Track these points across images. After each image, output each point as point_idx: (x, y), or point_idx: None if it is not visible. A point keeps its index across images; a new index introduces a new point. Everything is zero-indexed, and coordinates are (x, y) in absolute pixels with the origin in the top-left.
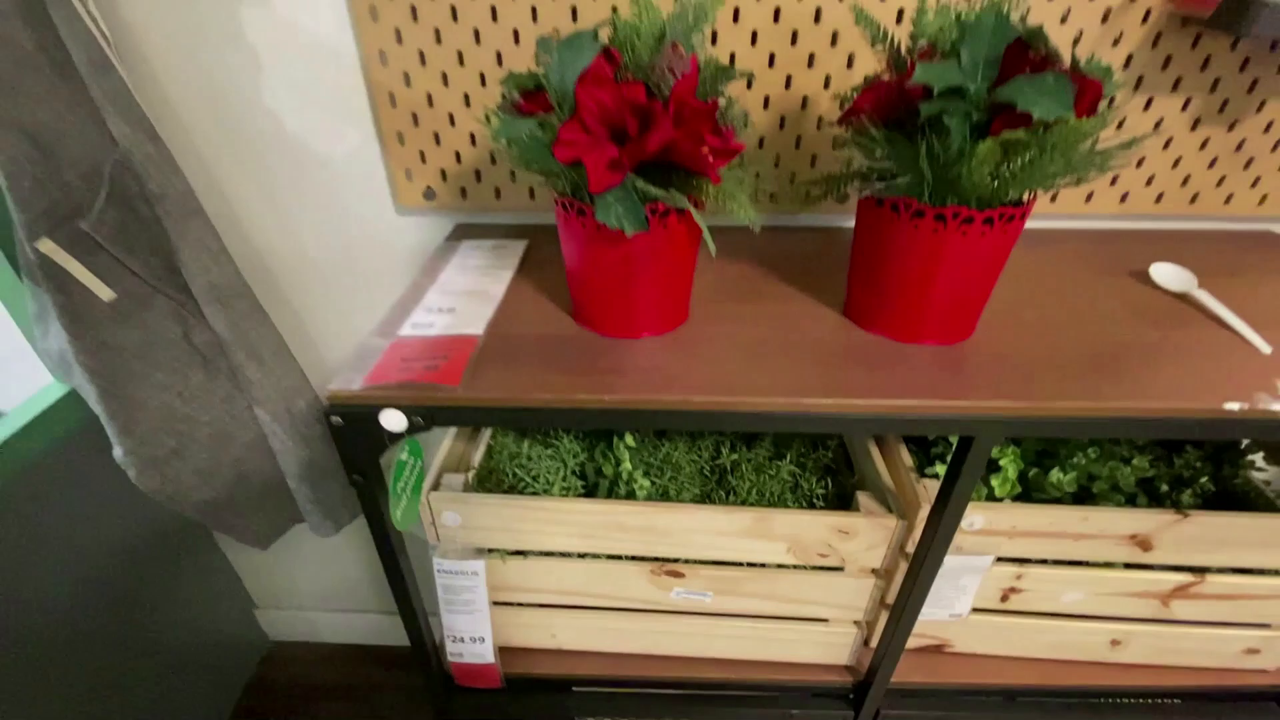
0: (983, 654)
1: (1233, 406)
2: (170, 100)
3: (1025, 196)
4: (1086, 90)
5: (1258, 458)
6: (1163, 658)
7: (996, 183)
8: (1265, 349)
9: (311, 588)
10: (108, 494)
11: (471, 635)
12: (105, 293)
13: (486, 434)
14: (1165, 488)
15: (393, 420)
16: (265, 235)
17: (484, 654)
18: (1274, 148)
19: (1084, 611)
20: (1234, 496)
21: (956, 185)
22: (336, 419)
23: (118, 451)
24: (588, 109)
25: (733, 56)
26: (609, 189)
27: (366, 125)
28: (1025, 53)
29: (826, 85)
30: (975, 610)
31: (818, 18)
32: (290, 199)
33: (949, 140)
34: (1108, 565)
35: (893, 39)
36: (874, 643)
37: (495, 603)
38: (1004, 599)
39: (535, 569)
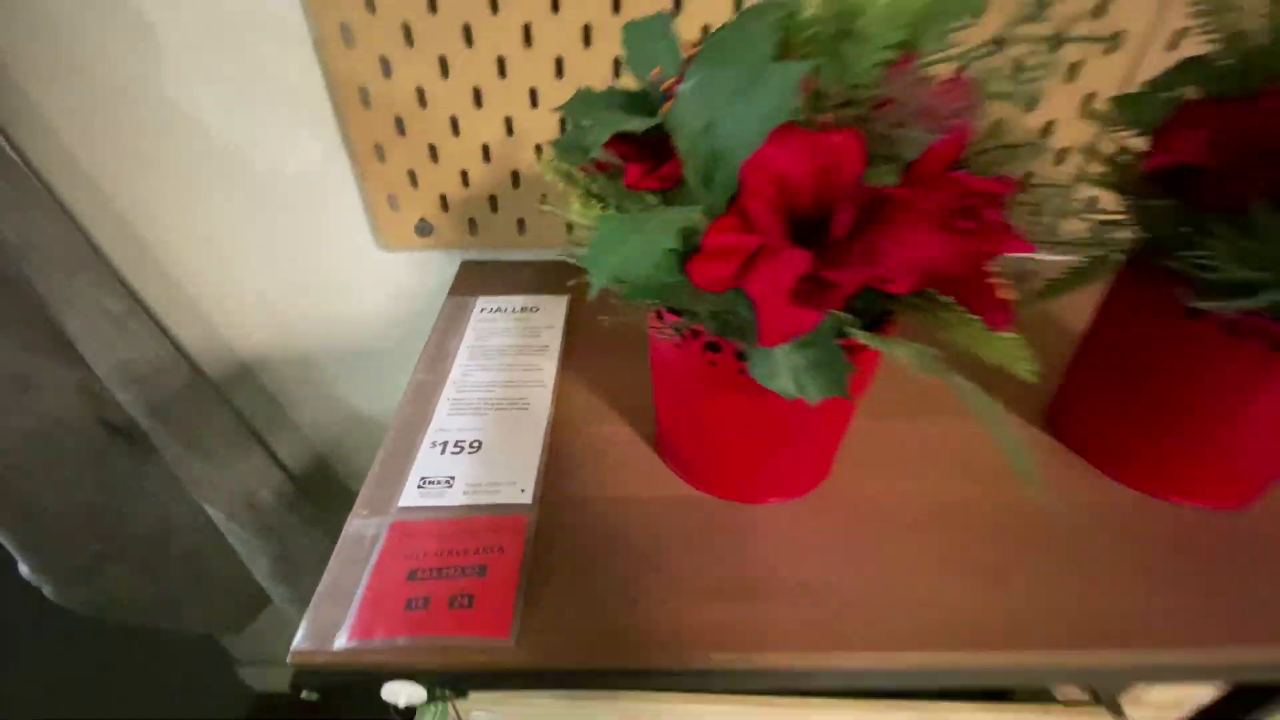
0: None
1: None
2: (62, 97)
3: None
4: None
5: None
6: None
7: None
8: None
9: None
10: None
11: None
12: None
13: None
14: None
15: (404, 693)
16: (204, 283)
17: None
18: None
19: None
20: None
21: None
22: (310, 694)
23: (23, 569)
24: (763, 204)
25: None
26: (795, 336)
27: (330, 133)
28: None
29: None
30: None
31: None
32: (237, 235)
33: None
34: None
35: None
36: None
37: None
38: None
39: None
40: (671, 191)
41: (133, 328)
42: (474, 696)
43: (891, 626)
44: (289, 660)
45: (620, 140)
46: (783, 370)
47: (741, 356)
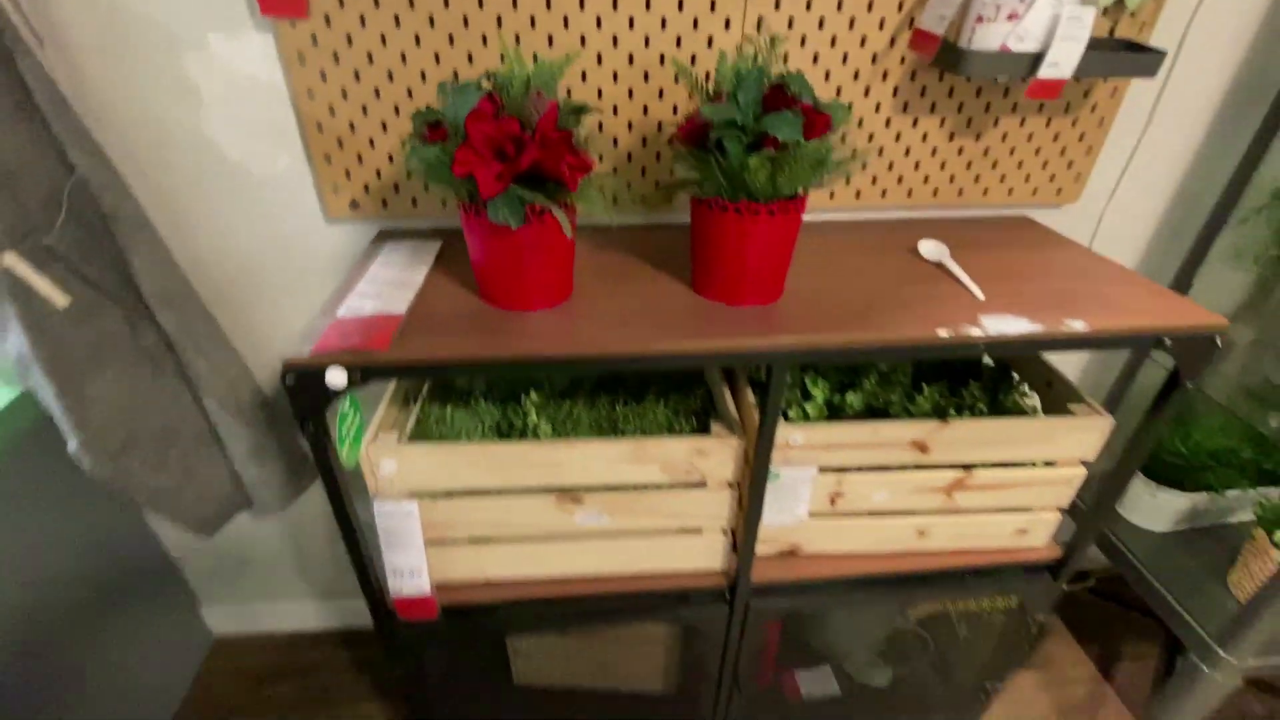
0: (825, 553)
1: (942, 333)
2: (122, 133)
3: (798, 192)
4: (817, 122)
5: (1024, 386)
6: (957, 542)
7: (772, 184)
8: (980, 296)
9: (252, 580)
10: (54, 496)
11: (410, 569)
12: (61, 299)
13: (416, 407)
14: (953, 411)
15: (336, 377)
16: (209, 247)
17: (422, 586)
18: (1010, 153)
19: (893, 508)
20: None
21: (745, 187)
22: (290, 379)
23: (72, 445)
24: (474, 138)
25: (600, 91)
26: (496, 195)
27: (297, 149)
28: (783, 94)
29: (675, 112)
30: (813, 515)
31: (661, 61)
32: (231, 214)
33: (729, 157)
34: (901, 468)
35: (702, 84)
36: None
37: (429, 542)
38: (832, 503)
39: (461, 507)
40: (446, 142)
41: (169, 268)
42: (380, 446)
43: (597, 339)
44: (281, 364)
45: (430, 127)
46: (499, 213)
47: (482, 208)
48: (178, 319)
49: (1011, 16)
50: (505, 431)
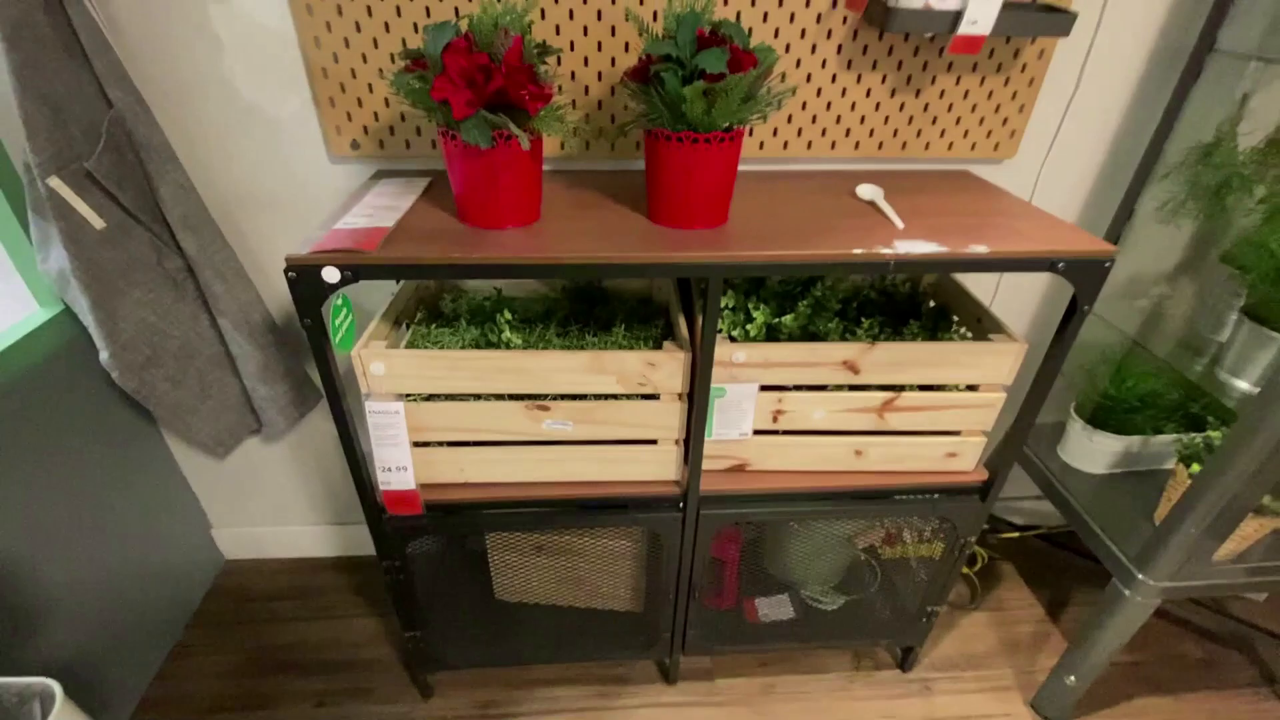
0: (770, 470)
1: (856, 250)
2: (152, 74)
3: (733, 125)
4: (743, 59)
5: (963, 329)
6: (891, 464)
7: (709, 116)
8: (900, 225)
9: (261, 506)
10: (83, 414)
11: (397, 465)
12: (98, 222)
13: (407, 332)
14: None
15: (330, 274)
16: (226, 180)
17: (407, 481)
18: (949, 109)
19: (831, 428)
20: None
21: (686, 118)
22: (292, 273)
23: (104, 355)
24: (449, 68)
25: (572, 44)
26: (466, 117)
27: (305, 93)
28: (716, 35)
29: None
30: (759, 433)
31: (626, 16)
32: (246, 151)
33: (667, 89)
34: (837, 389)
35: (650, 26)
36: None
37: (415, 444)
38: (775, 420)
39: (442, 410)
40: (426, 71)
41: (192, 197)
42: (370, 350)
43: (563, 250)
44: (285, 260)
45: (413, 60)
46: (470, 134)
47: (454, 130)
48: (198, 243)
49: None
50: (482, 347)
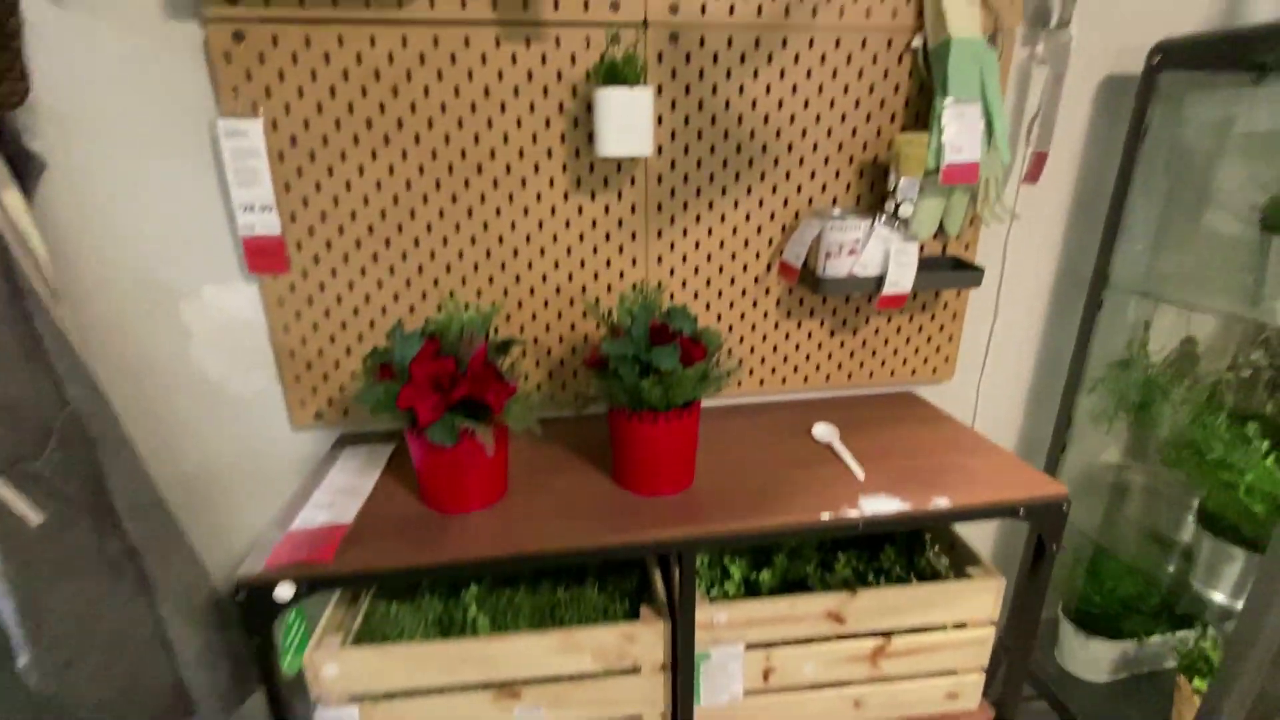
0: None
1: (825, 516)
2: (116, 361)
3: (686, 402)
4: (694, 352)
5: (934, 550)
6: (892, 711)
7: (666, 399)
8: (861, 476)
9: None
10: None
11: None
12: (35, 518)
13: (365, 603)
14: (871, 577)
15: (284, 591)
16: (185, 456)
17: None
18: (885, 343)
19: (825, 680)
20: (923, 577)
21: (643, 400)
22: (241, 595)
23: (22, 661)
24: (418, 377)
25: (534, 314)
26: (433, 422)
27: (271, 371)
28: (666, 329)
29: (597, 327)
30: (750, 693)
31: (585, 313)
32: (208, 427)
33: (625, 381)
34: (825, 640)
35: (606, 318)
36: None
37: None
38: (765, 678)
39: (403, 709)
40: (393, 380)
41: (141, 480)
42: (322, 651)
43: (524, 538)
44: (235, 581)
45: (380, 366)
46: (436, 435)
47: (420, 432)
48: (145, 529)
49: (852, 252)
50: (447, 625)
